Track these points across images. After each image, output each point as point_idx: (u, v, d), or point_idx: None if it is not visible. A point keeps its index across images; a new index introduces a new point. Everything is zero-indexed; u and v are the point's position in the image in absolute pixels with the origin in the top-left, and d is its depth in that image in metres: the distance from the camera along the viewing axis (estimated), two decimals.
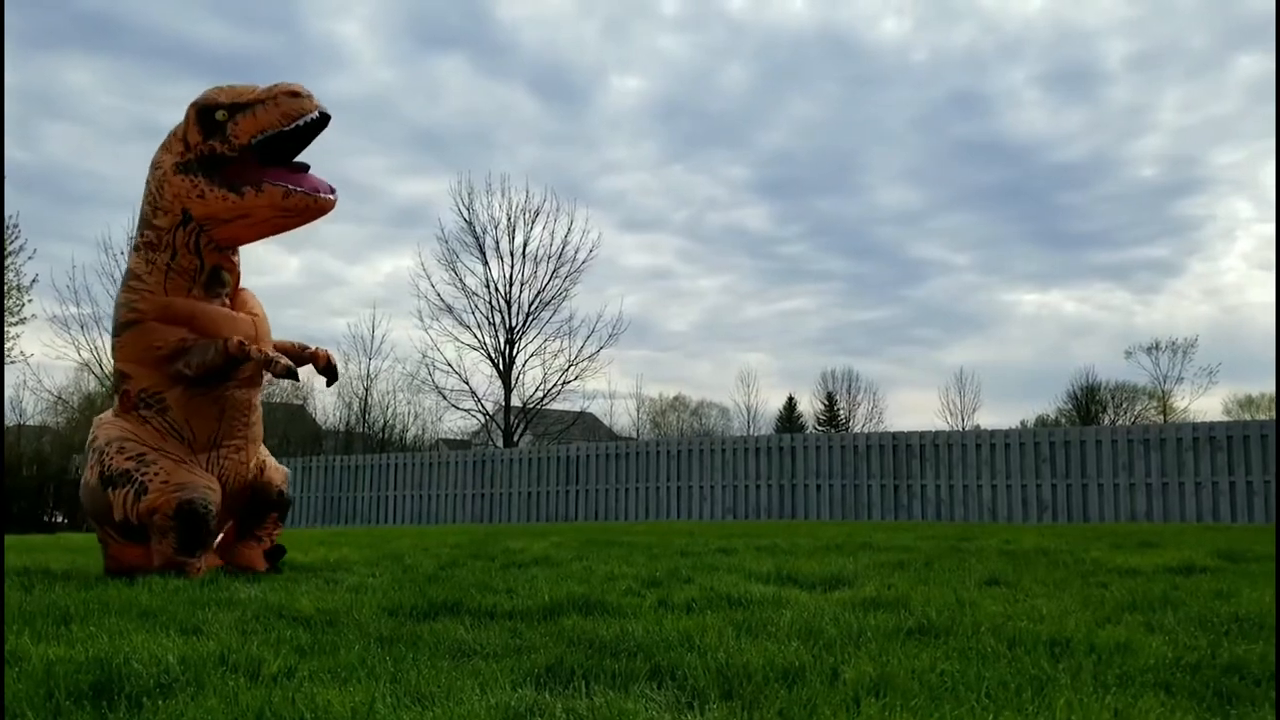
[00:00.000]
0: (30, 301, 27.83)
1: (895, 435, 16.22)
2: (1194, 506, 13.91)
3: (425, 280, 31.28)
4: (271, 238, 5.09)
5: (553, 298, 30.52)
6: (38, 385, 44.78)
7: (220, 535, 5.29)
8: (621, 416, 56.75)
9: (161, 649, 2.79)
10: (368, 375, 36.60)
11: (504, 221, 30.44)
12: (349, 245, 61.47)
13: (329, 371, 5.09)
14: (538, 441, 33.63)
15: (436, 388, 31.30)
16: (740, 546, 6.87)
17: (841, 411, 53.66)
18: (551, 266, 30.38)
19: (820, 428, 52.26)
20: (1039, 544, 6.76)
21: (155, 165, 4.84)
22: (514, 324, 30.50)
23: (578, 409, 37.19)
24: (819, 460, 16.47)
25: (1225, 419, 31.08)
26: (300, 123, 4.53)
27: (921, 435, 15.97)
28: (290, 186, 4.62)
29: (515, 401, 31.00)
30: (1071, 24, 59.91)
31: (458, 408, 31.97)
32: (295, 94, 4.53)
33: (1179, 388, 46.71)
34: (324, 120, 4.62)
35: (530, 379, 34.33)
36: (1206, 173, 61.15)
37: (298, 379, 4.82)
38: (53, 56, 49.76)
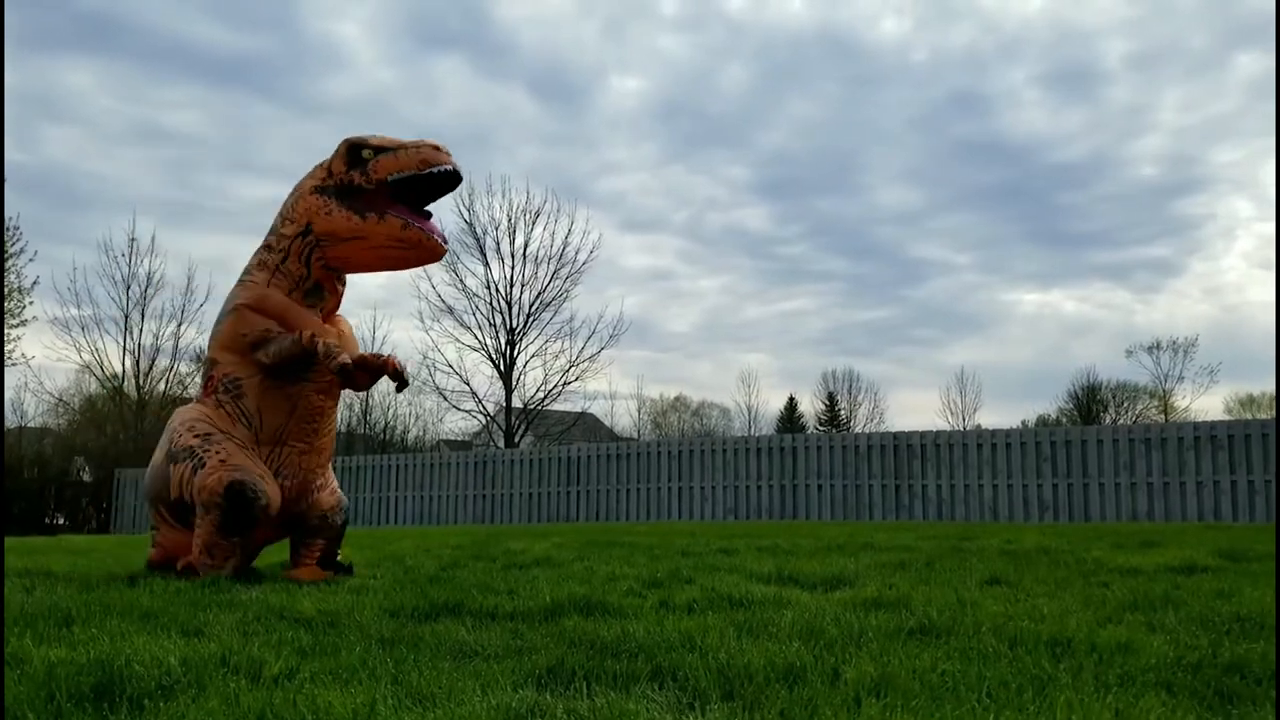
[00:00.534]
0: (31, 304, 27.82)
1: (896, 435, 16.22)
2: (1195, 506, 13.90)
3: (426, 281, 31.26)
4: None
5: (553, 299, 30.50)
6: (39, 387, 44.85)
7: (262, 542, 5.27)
8: (622, 417, 56.77)
9: (163, 651, 2.80)
10: None
11: (504, 222, 30.42)
12: None
13: (398, 376, 5.15)
14: (539, 442, 33.63)
15: (437, 389, 31.30)
16: (741, 547, 6.87)
17: (842, 412, 53.64)
18: (552, 267, 30.38)
19: (821, 428, 52.25)
20: (1040, 543, 6.76)
21: (295, 189, 5.17)
22: (515, 325, 30.49)
23: (579, 410, 37.19)
24: (820, 460, 16.46)
25: (1226, 418, 31.09)
26: (434, 170, 4.84)
27: (922, 435, 15.96)
28: (410, 220, 4.90)
29: (516, 402, 30.98)
30: (1071, 24, 59.94)
31: (459, 409, 31.97)
32: (436, 148, 4.91)
33: (1180, 387, 46.70)
34: (456, 178, 4.93)
35: (531, 380, 34.30)
36: (1206, 172, 61.20)
37: (350, 378, 4.92)
38: (51, 58, 49.78)
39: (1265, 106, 58.81)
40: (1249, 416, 45.59)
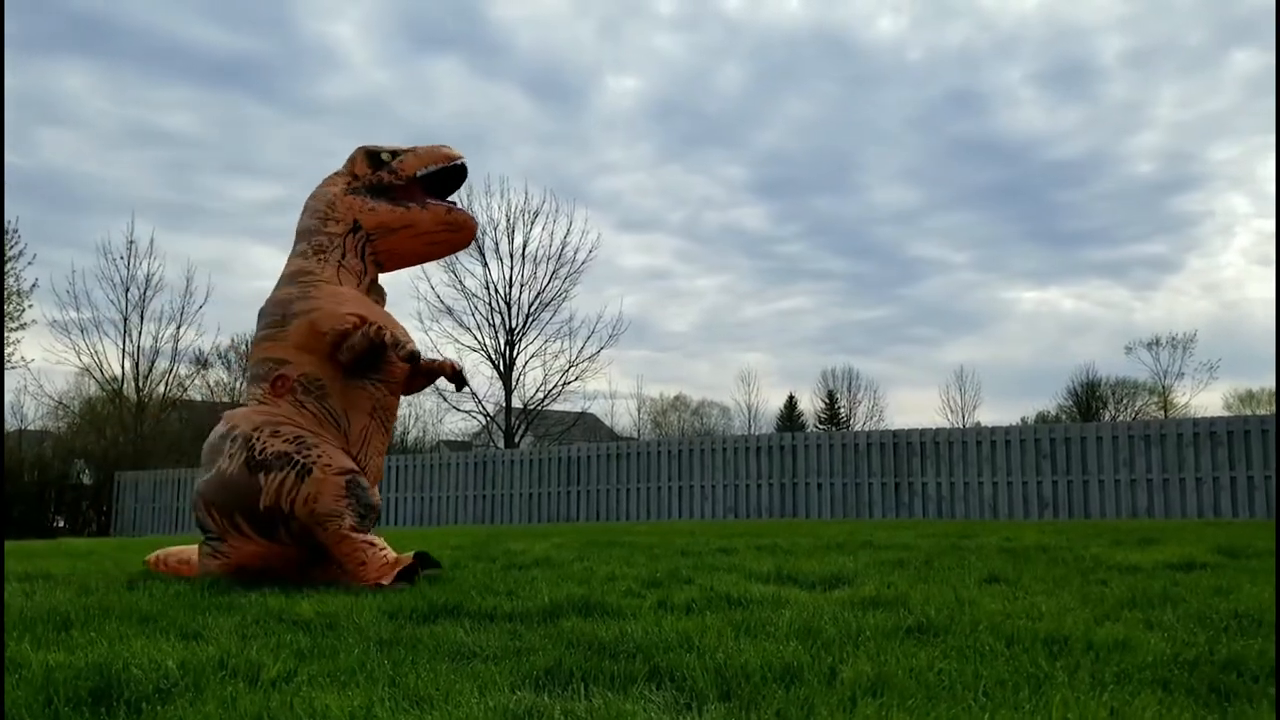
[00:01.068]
0: (30, 307, 27.89)
1: (896, 433, 16.22)
2: (1195, 502, 13.91)
3: (424, 282, 31.26)
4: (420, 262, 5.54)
5: (552, 299, 30.50)
6: (38, 390, 44.91)
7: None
8: (622, 417, 56.80)
9: (161, 654, 2.80)
10: None
11: (503, 223, 30.45)
12: None
13: (457, 378, 5.19)
14: (539, 442, 33.63)
15: (437, 389, 31.28)
16: (741, 546, 6.87)
17: (842, 410, 53.69)
18: (551, 267, 30.39)
19: (821, 426, 52.26)
20: (1039, 541, 6.76)
21: (318, 196, 5.25)
22: (514, 325, 30.50)
23: (578, 410, 37.21)
24: (820, 459, 16.47)
25: (1226, 414, 31.06)
26: (457, 163, 5.18)
27: (922, 433, 15.97)
28: (452, 204, 5.22)
29: (516, 403, 30.99)
30: (1067, 21, 60.02)
31: (458, 409, 31.98)
32: (447, 146, 5.23)
33: (1179, 383, 46.76)
34: (466, 173, 5.27)
35: (531, 380, 34.33)
36: (1204, 169, 61.30)
37: (418, 364, 4.90)
38: (47, 61, 49.77)
39: (1262, 103, 58.86)
40: (1248, 412, 45.57)
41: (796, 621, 3.27)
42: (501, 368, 30.64)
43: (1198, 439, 14.07)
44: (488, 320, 30.55)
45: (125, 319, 30.15)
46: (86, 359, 29.81)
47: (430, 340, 32.57)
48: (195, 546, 5.45)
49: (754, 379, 70.92)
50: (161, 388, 31.60)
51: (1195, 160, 61.49)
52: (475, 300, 30.49)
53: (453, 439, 40.93)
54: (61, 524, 27.32)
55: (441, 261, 31.16)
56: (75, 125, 52.20)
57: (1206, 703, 2.22)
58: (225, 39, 52.65)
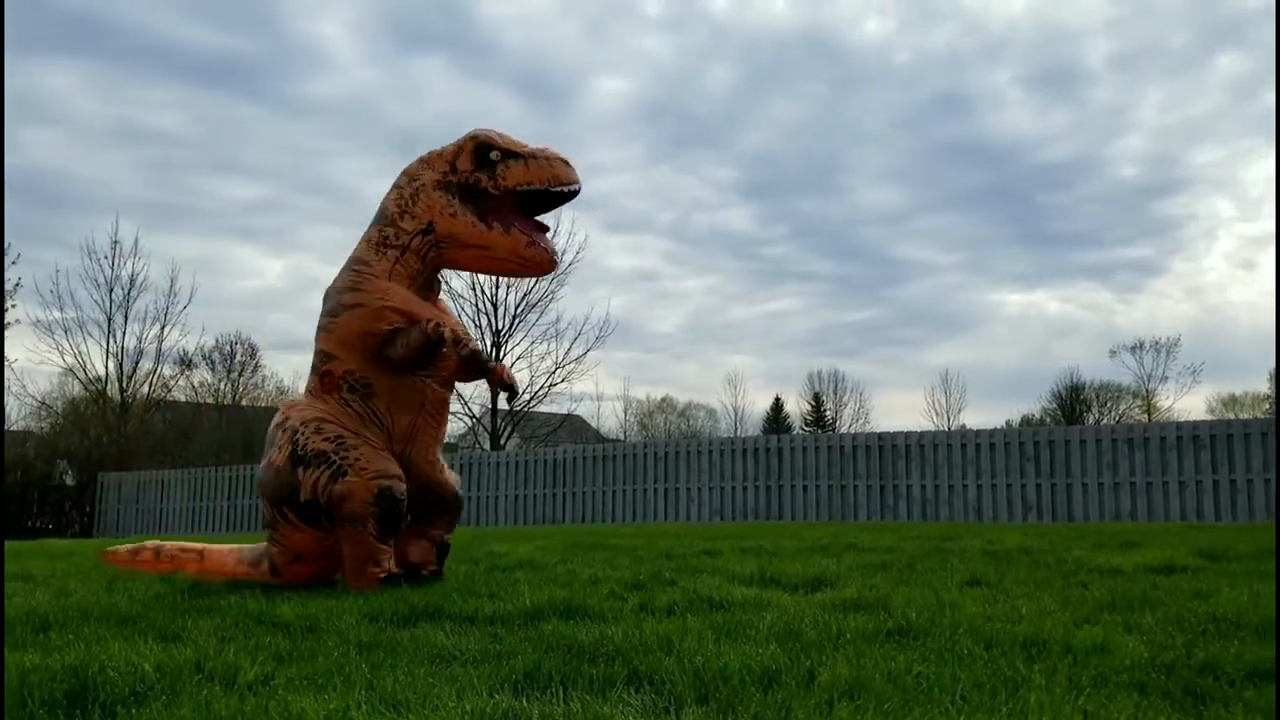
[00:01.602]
0: (14, 306, 27.67)
1: (881, 436, 16.25)
2: (1178, 505, 13.97)
3: None
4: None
5: (539, 300, 30.45)
6: (21, 390, 44.47)
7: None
8: (609, 418, 56.82)
9: (138, 657, 2.79)
10: None
11: None
12: (332, 248, 61.46)
13: (507, 387, 5.08)
14: (525, 444, 33.59)
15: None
16: (725, 548, 6.87)
17: (828, 412, 53.76)
18: None
19: (807, 429, 52.34)
20: (1022, 544, 6.78)
21: (412, 176, 5.03)
22: (500, 326, 30.45)
23: (565, 411, 37.19)
24: (805, 461, 16.49)
25: (1209, 418, 31.23)
26: (564, 189, 4.87)
27: (907, 435, 16.00)
28: (534, 238, 4.88)
29: (502, 404, 30.96)
30: (1054, 24, 60.27)
31: None
32: (565, 162, 4.91)
33: (1163, 387, 47.00)
34: (575, 195, 4.96)
35: (517, 381, 34.26)
36: (1187, 172, 61.58)
37: (481, 365, 4.79)
38: (32, 60, 49.52)
39: (1244, 107, 59.28)
40: (1231, 416, 45.86)
41: (777, 624, 3.28)
42: None
43: (1180, 443, 14.15)
44: (474, 321, 30.48)
45: (109, 319, 30.02)
46: (70, 359, 29.69)
47: None
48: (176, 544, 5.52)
49: (741, 381, 70.65)
50: (145, 388, 31.47)
51: (1179, 164, 61.86)
52: (461, 301, 30.44)
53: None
54: (47, 525, 27.16)
55: None
56: (60, 124, 51.94)
57: (1182, 706, 2.23)
58: (213, 38, 52.47)
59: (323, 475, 4.63)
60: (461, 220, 4.84)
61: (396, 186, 5.06)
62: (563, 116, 61.61)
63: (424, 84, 59.61)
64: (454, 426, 34.78)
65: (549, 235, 5.02)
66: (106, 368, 30.28)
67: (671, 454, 17.63)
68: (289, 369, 61.10)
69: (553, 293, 30.48)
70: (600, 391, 71.35)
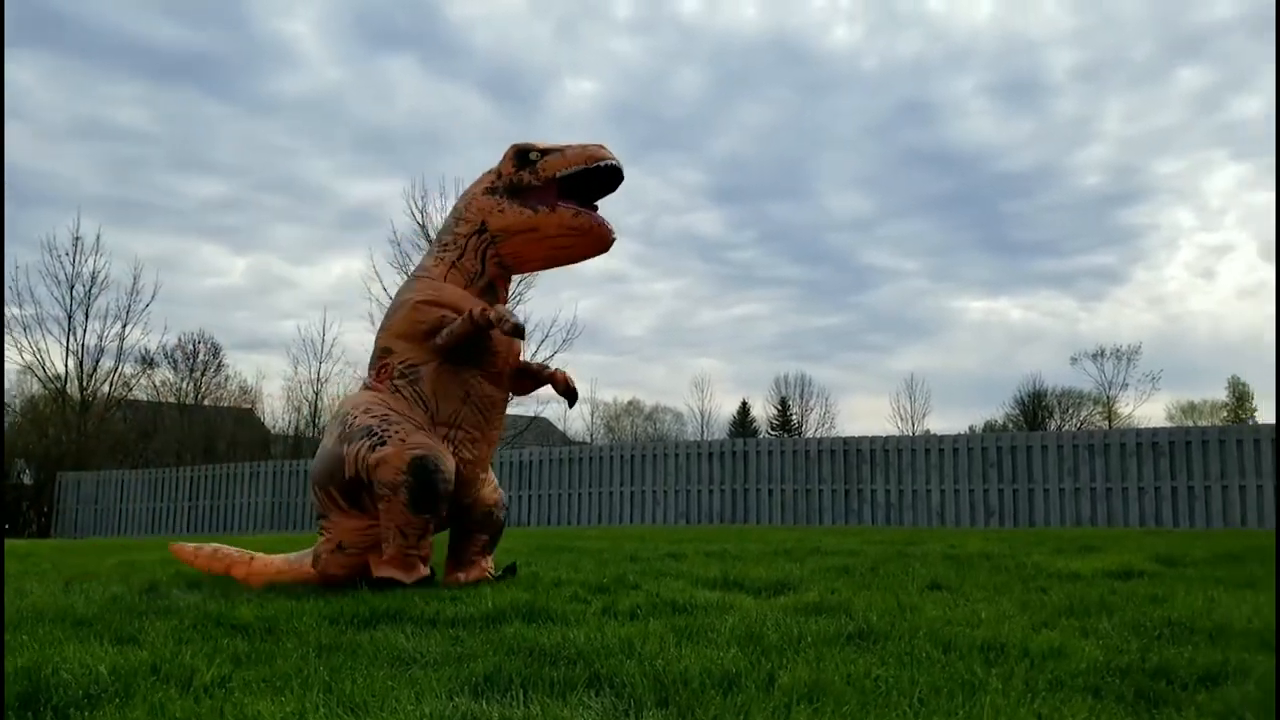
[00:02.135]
0: None
1: (846, 440, 16.34)
2: (1137, 511, 14.16)
3: (377, 283, 31.00)
4: (553, 266, 5.42)
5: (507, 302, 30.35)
6: None
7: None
8: (575, 421, 56.70)
9: (93, 659, 2.75)
10: (318, 379, 36.26)
11: None
12: (297, 247, 60.92)
13: (569, 393, 5.17)
14: None
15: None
16: (690, 552, 6.88)
17: (794, 417, 53.99)
18: None
19: (773, 433, 52.51)
20: (983, 548, 6.84)
21: (465, 195, 5.28)
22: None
23: (531, 414, 37.07)
24: (771, 465, 16.55)
25: (1168, 425, 31.66)
26: (601, 164, 5.01)
27: (872, 440, 16.10)
28: (580, 208, 5.04)
29: None
30: (1018, 34, 60.90)
31: None
32: (600, 146, 5.09)
33: (1123, 394, 47.66)
34: (619, 176, 5.10)
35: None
36: (1149, 182, 62.39)
37: (522, 335, 4.84)
38: None
39: (1206, 119, 60.18)
40: (1190, 424, 46.50)
41: (739, 628, 3.28)
42: None
43: (1140, 449, 14.33)
44: None
45: (70, 316, 29.70)
46: (29, 356, 29.34)
47: None
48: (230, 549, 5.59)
49: (708, 385, 71.05)
50: (106, 387, 31.15)
51: (1141, 174, 62.67)
52: None
53: None
54: (6, 525, 26.75)
55: (394, 263, 31.02)
56: (22, 119, 51.20)
57: (1135, 709, 2.25)
58: (179, 35, 51.98)
59: (364, 445, 4.72)
60: (510, 211, 5.05)
61: (453, 210, 5.32)
62: (531, 117, 61.49)
63: (393, 83, 59.28)
64: None
65: (599, 212, 5.13)
66: (66, 366, 29.95)
67: (638, 457, 17.64)
68: (252, 368, 60.75)
69: (520, 295, 30.42)
70: None
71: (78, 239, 29.67)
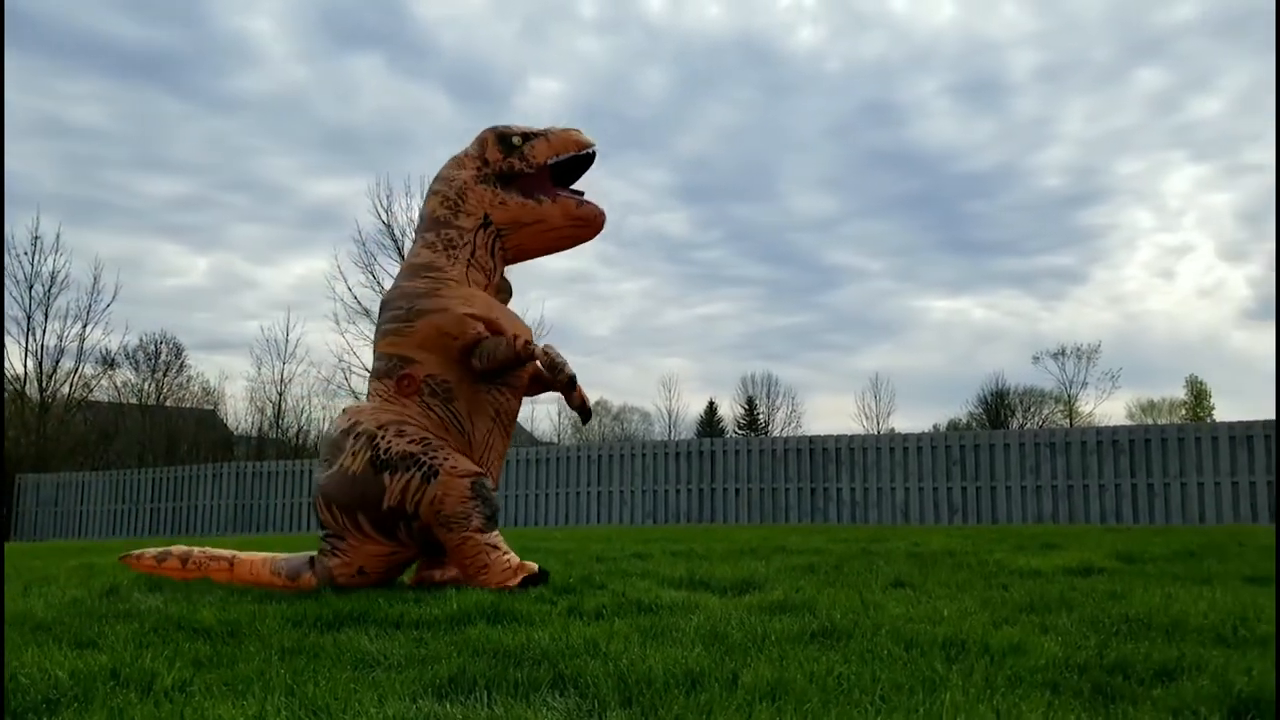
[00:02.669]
0: None
1: (812, 439, 16.42)
2: (1098, 508, 14.33)
3: (341, 283, 30.87)
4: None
5: None
6: None
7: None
8: (542, 421, 56.72)
9: (52, 664, 2.72)
10: (281, 380, 35.97)
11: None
12: (259, 246, 60.29)
13: (583, 411, 4.89)
14: None
15: (353, 392, 30.84)
16: (656, 551, 6.90)
17: (761, 416, 54.18)
18: None
19: (740, 432, 52.67)
20: (946, 546, 6.90)
21: (449, 179, 5.09)
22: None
23: None
24: (738, 464, 16.61)
25: (1128, 423, 32.04)
26: (588, 151, 5.07)
27: (838, 439, 16.19)
28: (582, 198, 5.08)
29: None
30: (980, 35, 61.46)
31: None
32: (578, 130, 5.11)
33: (1084, 393, 48.21)
34: (593, 159, 5.15)
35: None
36: (1109, 183, 63.08)
37: (574, 397, 4.69)
38: None
39: (1164, 121, 61.01)
40: (1149, 422, 47.14)
41: (704, 627, 3.30)
42: None
43: (1101, 447, 14.51)
44: None
45: (29, 316, 29.31)
46: None
47: (347, 343, 32.18)
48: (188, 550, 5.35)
49: (675, 384, 71.03)
50: (66, 388, 30.76)
51: (1101, 174, 63.38)
52: None
53: None
54: None
55: (359, 262, 30.86)
56: None
57: (1091, 704, 2.29)
58: (137, 31, 51.37)
59: (414, 478, 4.48)
60: (513, 203, 4.98)
61: (435, 192, 5.09)
62: (497, 116, 60.88)
63: (358, 82, 58.83)
64: None
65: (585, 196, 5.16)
66: (25, 366, 29.55)
67: (605, 457, 17.64)
68: (214, 369, 60.05)
69: None
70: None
71: (37, 238, 29.27)
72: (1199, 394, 55.10)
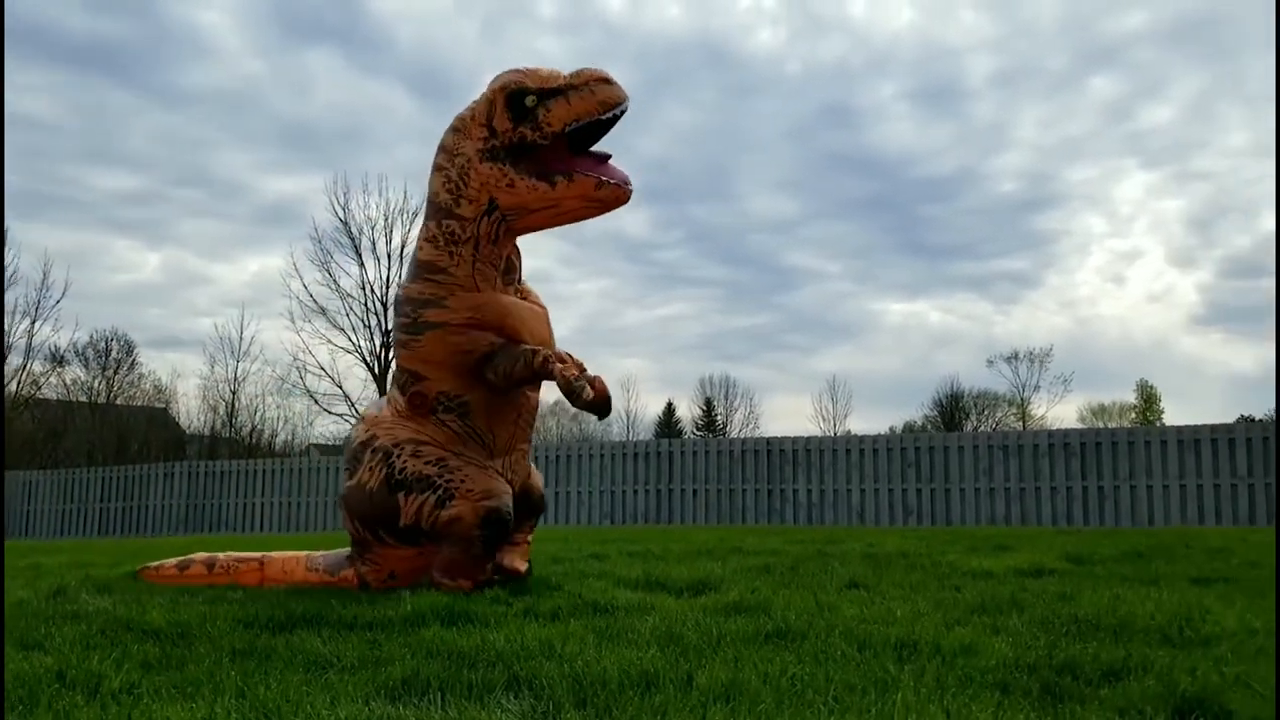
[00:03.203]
0: None
1: (770, 440, 16.50)
2: (1049, 510, 14.52)
3: (297, 280, 30.64)
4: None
5: None
6: None
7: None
8: None
9: None
10: (235, 378, 35.58)
11: (380, 222, 29.97)
12: (212, 243, 59.49)
13: (602, 405, 4.35)
14: None
15: (308, 391, 30.64)
16: (613, 552, 6.89)
17: (719, 417, 54.37)
18: None
19: (698, 433, 52.82)
20: (901, 547, 6.96)
21: (453, 151, 4.56)
22: (390, 326, 30.02)
23: None
24: (696, 465, 16.64)
25: (1079, 426, 32.52)
26: (616, 112, 4.38)
27: (795, 440, 16.28)
28: (602, 178, 4.44)
29: None
30: (938, 41, 62.08)
31: (330, 412, 31.41)
32: (608, 81, 4.39)
33: (1036, 396, 48.88)
34: (624, 113, 4.46)
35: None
36: (1062, 189, 63.92)
37: (605, 413, 4.37)
38: None
39: (1116, 128, 61.97)
40: (1100, 425, 47.84)
41: (659, 628, 3.30)
42: (376, 370, 30.13)
43: (1053, 450, 14.71)
44: (363, 321, 30.09)
45: None
46: None
47: (302, 341, 31.88)
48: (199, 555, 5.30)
49: (634, 385, 71.00)
50: (14, 385, 30.15)
51: (1054, 180, 64.21)
52: (350, 300, 29.94)
53: (324, 443, 40.00)
54: None
55: (314, 260, 30.60)
56: None
57: (1040, 704, 2.32)
58: (86, 22, 50.58)
59: (427, 501, 4.39)
60: (522, 187, 4.44)
61: (438, 168, 4.63)
62: (456, 113, 60.94)
63: (312, 77, 58.23)
64: (340, 428, 34.20)
65: (613, 163, 4.57)
66: None
67: (563, 457, 17.61)
68: (166, 367, 59.30)
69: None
70: None
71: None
72: (1149, 398, 56.03)
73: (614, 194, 4.47)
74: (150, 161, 55.64)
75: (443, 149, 4.63)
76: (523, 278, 5.02)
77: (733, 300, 71.22)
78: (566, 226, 4.80)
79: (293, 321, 30.41)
